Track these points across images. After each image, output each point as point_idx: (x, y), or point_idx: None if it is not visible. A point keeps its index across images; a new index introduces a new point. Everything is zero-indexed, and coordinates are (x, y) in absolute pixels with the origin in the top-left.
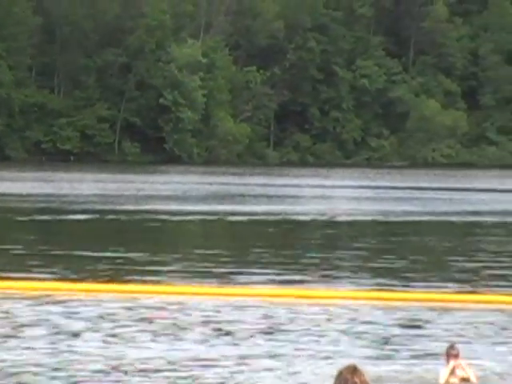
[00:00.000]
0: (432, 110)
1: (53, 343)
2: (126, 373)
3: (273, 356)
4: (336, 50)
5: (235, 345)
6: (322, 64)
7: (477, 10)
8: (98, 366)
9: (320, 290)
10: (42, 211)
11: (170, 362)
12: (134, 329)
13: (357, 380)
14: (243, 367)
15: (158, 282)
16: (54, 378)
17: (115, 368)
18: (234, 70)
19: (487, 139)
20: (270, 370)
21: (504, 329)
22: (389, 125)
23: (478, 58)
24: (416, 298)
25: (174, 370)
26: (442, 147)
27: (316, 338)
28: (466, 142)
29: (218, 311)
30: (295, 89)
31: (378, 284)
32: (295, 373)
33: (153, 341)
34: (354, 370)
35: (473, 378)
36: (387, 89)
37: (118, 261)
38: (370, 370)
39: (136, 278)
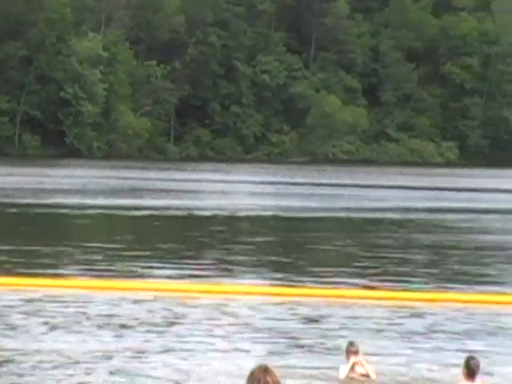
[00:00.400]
0: (332, 107)
1: None
2: (18, 365)
3: (168, 350)
4: (237, 46)
5: (130, 338)
6: (222, 59)
7: (378, 7)
8: None
9: (219, 285)
10: None
11: (63, 355)
12: (28, 322)
13: (269, 379)
14: (137, 361)
15: (56, 276)
16: None
17: (8, 360)
18: (134, 64)
19: (387, 136)
20: (164, 364)
21: (400, 324)
22: (289, 120)
23: (378, 55)
24: (316, 294)
25: (67, 363)
26: (343, 143)
27: (214, 333)
28: (367, 138)
29: (115, 305)
30: (196, 83)
31: (278, 279)
32: (190, 367)
33: (46, 334)
34: (265, 369)
35: (372, 374)
36: (288, 84)
37: (17, 254)
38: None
39: (34, 271)
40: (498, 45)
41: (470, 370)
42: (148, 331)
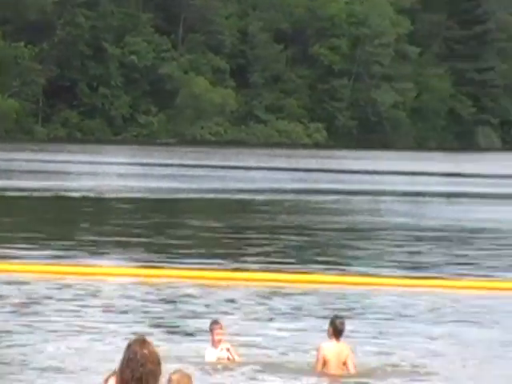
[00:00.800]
0: (201, 88)
1: None
2: None
3: (31, 331)
4: (105, 26)
5: None
6: (90, 40)
7: None
8: None
9: (86, 266)
10: None
11: None
12: None
13: (146, 351)
14: None
15: None
16: None
17: None
18: (1, 45)
19: (255, 117)
20: (25, 345)
21: (266, 305)
22: (157, 102)
23: (247, 36)
24: (182, 275)
25: None
26: (211, 125)
27: (79, 314)
28: (235, 119)
29: None
30: (64, 64)
31: (144, 261)
32: (52, 349)
33: None
34: (142, 341)
35: (235, 355)
36: (156, 66)
37: None
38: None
39: None
40: (366, 26)
41: (336, 329)
42: (10, 312)
